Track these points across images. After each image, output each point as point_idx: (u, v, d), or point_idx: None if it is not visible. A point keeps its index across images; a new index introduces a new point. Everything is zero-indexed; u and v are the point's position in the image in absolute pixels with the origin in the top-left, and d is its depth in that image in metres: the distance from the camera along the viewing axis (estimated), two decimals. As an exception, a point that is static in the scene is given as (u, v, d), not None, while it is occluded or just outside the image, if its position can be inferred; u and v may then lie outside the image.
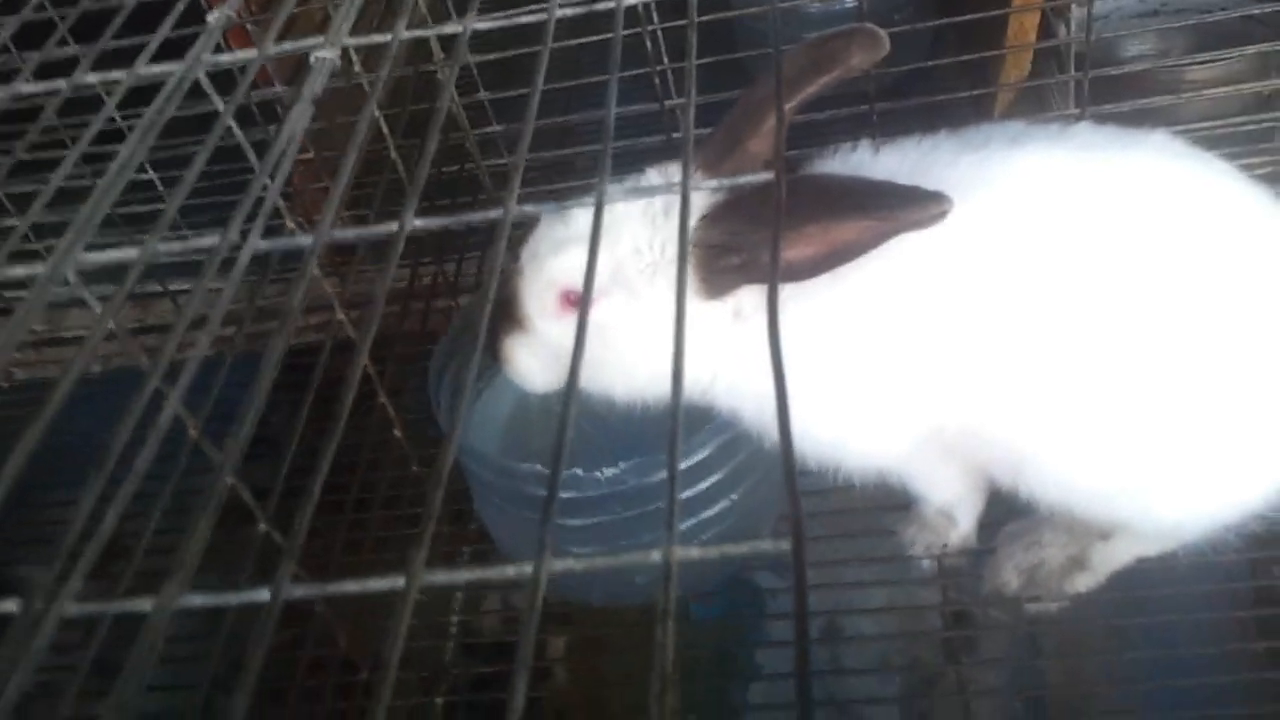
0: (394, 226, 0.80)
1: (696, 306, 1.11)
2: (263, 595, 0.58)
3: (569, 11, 0.98)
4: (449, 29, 1.02)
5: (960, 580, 1.49)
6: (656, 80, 1.77)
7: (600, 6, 0.99)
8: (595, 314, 1.10)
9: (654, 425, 1.22)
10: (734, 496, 1.38)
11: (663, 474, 1.27)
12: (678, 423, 0.62)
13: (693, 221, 1.07)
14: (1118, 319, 1.10)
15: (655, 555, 0.56)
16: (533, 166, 2.14)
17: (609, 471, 1.26)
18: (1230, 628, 1.47)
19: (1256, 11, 1.70)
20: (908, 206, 0.97)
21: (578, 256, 1.10)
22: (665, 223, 1.10)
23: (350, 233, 0.85)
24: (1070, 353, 1.11)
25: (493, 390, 1.54)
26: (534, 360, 1.19)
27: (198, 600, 0.60)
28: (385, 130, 1.51)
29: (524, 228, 1.23)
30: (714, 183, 0.81)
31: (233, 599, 0.60)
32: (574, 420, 0.63)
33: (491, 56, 1.84)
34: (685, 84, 0.81)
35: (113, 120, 1.97)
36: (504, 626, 1.77)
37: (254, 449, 0.71)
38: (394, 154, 1.53)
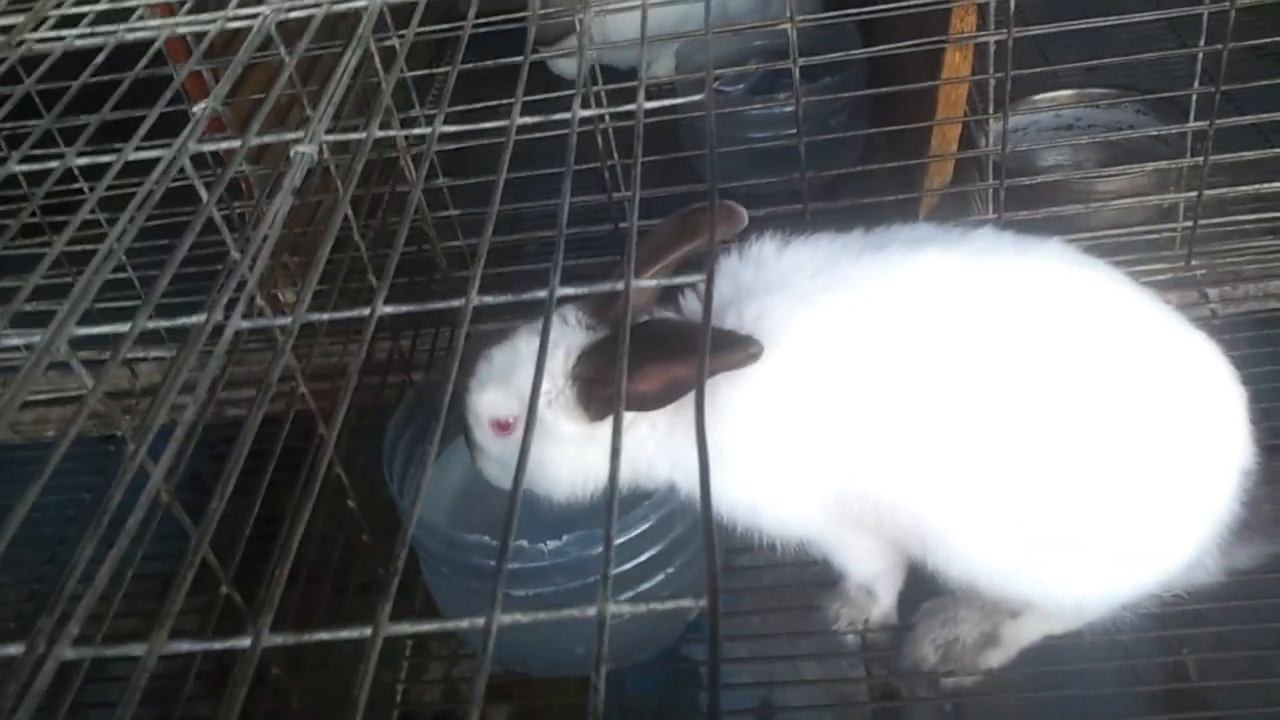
0: (366, 311, 0.89)
1: (588, 427, 1.29)
2: (244, 642, 0.64)
3: (528, 120, 1.08)
4: (418, 131, 1.12)
5: (883, 655, 1.57)
6: (605, 174, 1.89)
7: (557, 117, 1.09)
8: (517, 434, 1.33)
9: (598, 501, 1.32)
10: (670, 570, 1.45)
11: (599, 548, 1.35)
12: (614, 491, 0.71)
13: (572, 360, 1.27)
14: (1007, 408, 1.21)
15: (590, 611, 0.65)
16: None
17: (552, 543, 1.34)
18: (1139, 702, 1.56)
19: (1157, 132, 1.86)
20: (723, 351, 1.13)
21: (495, 392, 1.33)
22: (551, 361, 1.27)
23: (325, 316, 0.93)
24: (960, 436, 1.22)
25: (442, 465, 1.61)
26: (495, 468, 1.40)
27: (184, 646, 0.66)
28: (350, 215, 1.59)
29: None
30: (651, 281, 0.91)
31: (216, 645, 0.66)
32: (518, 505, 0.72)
33: (451, 146, 1.95)
34: (631, 179, 0.91)
35: (91, 200, 2.04)
36: (444, 700, 1.81)
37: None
38: (357, 236, 1.61)
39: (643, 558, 1.41)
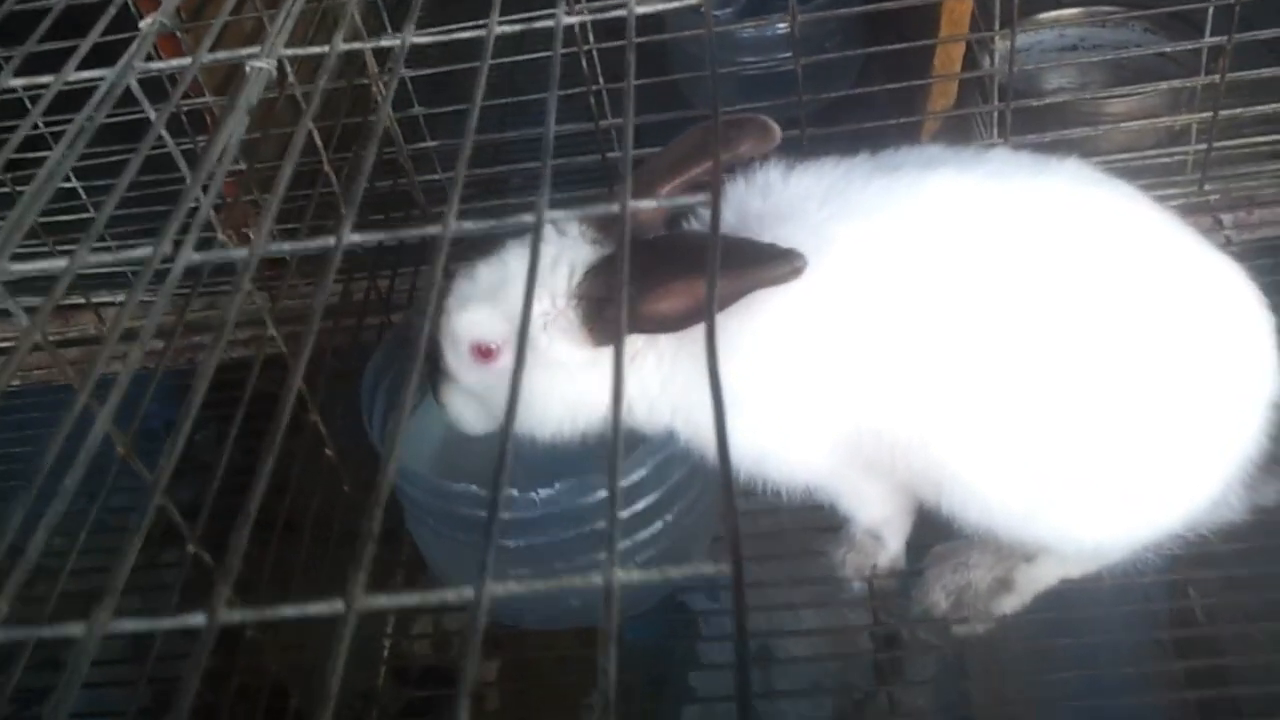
0: (330, 241, 0.79)
1: (591, 353, 1.17)
2: (198, 619, 0.56)
3: (507, 29, 0.98)
4: (386, 43, 1.01)
5: (889, 602, 1.51)
6: (592, 100, 1.78)
7: (539, 25, 0.99)
8: (502, 363, 1.20)
9: (590, 447, 1.24)
10: (669, 517, 1.38)
11: (599, 495, 1.27)
12: (618, 446, 0.62)
13: (578, 276, 1.15)
14: (1027, 339, 1.13)
15: (596, 578, 0.56)
16: (468, 183, 2.13)
17: (545, 492, 1.26)
18: (1150, 648, 1.50)
19: (1171, 49, 1.76)
20: (763, 265, 1.02)
21: (480, 311, 1.19)
22: (552, 277, 1.16)
23: (286, 246, 0.84)
24: (979, 370, 1.14)
25: (426, 409, 1.52)
26: (465, 406, 1.27)
27: (129, 625, 0.58)
28: (319, 144, 1.49)
29: (463, 244, 1.25)
30: (652, 203, 0.82)
31: (165, 623, 0.58)
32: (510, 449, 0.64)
33: (427, 71, 1.84)
34: (623, 104, 0.81)
35: (36, 126, 1.91)
36: (435, 652, 1.75)
37: (178, 467, 0.70)
38: (327, 168, 1.50)
39: (640, 505, 1.33)
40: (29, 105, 1.88)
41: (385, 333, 1.68)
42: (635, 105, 1.38)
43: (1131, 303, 1.14)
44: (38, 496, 0.67)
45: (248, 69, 0.95)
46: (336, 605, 0.56)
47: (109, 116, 0.95)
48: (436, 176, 1.92)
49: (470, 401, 1.27)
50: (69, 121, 0.93)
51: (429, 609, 1.66)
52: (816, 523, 1.51)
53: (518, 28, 0.98)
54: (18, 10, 1.25)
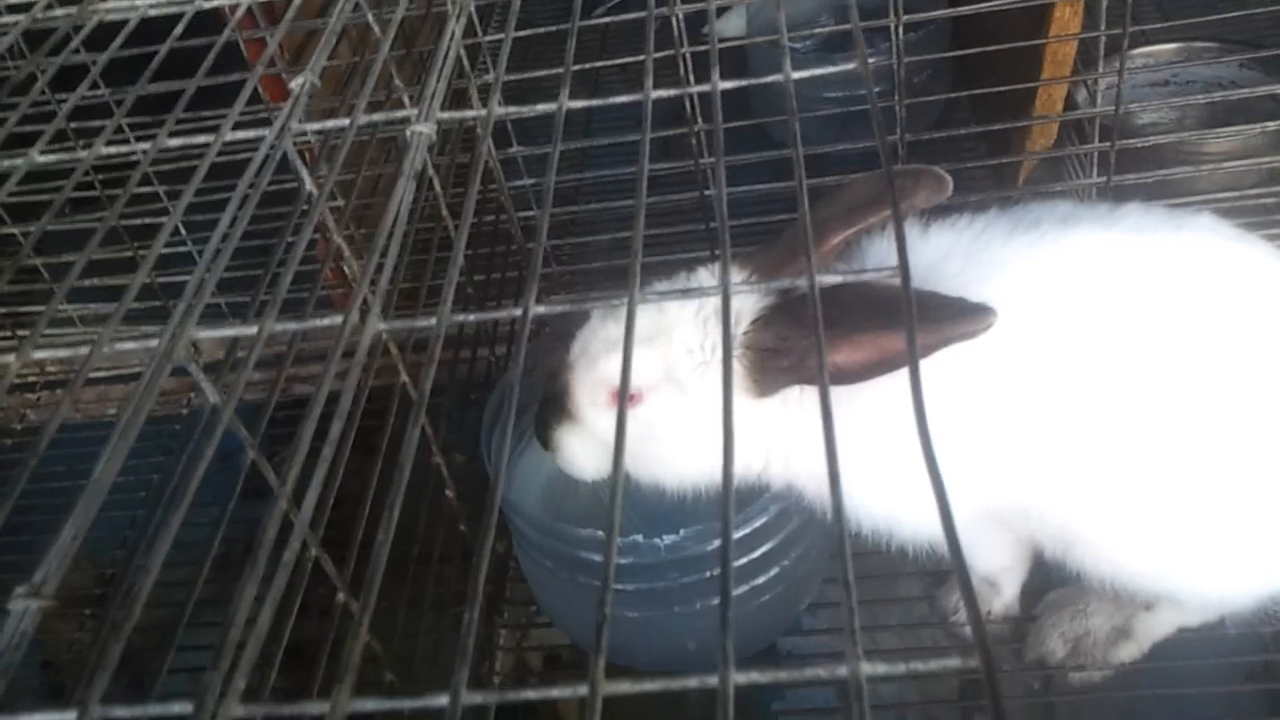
0: (517, 311, 0.81)
1: (745, 402, 1.15)
2: (440, 700, 0.57)
3: (667, 93, 0.99)
4: (542, 108, 1.03)
5: (1007, 647, 1.49)
6: (693, 141, 1.80)
7: (696, 90, 1.01)
8: (645, 409, 1.17)
9: (710, 496, 1.25)
10: (785, 563, 1.38)
11: (720, 541, 1.28)
12: (842, 530, 0.63)
13: (745, 325, 1.12)
14: (1167, 401, 1.12)
15: (840, 670, 0.57)
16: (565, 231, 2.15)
17: (669, 539, 1.27)
18: (1242, 700, 1.48)
19: (1276, 90, 1.75)
20: (955, 320, 0.99)
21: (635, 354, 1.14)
22: (716, 324, 1.14)
23: (472, 317, 0.85)
24: (1123, 434, 1.12)
25: (534, 449, 1.54)
26: (583, 449, 1.24)
27: (369, 705, 0.59)
28: (445, 212, 1.51)
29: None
30: (749, 285, 0.83)
31: (407, 704, 0.59)
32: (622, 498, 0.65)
33: (544, 149, 1.86)
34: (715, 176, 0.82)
35: (156, 191, 1.97)
36: (513, 670, 1.75)
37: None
38: (446, 213, 1.53)
39: (758, 552, 1.34)
40: (150, 175, 1.94)
41: (492, 366, 1.70)
42: (725, 148, 1.40)
43: (1268, 359, 1.14)
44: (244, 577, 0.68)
45: (408, 134, 0.97)
46: (580, 690, 0.57)
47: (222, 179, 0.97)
48: (531, 213, 1.95)
49: (591, 446, 1.24)
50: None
51: (513, 625, 1.66)
52: (907, 566, 1.50)
53: (674, 92, 0.99)
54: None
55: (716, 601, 1.36)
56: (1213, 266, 1.16)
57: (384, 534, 0.67)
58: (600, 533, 1.28)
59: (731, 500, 0.66)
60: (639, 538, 1.27)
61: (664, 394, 1.16)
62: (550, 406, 1.26)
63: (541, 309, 0.81)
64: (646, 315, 1.16)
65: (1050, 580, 1.43)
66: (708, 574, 1.31)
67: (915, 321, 0.73)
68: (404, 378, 1.26)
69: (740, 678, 0.55)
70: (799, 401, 1.17)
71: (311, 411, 0.76)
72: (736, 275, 1.17)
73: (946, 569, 1.49)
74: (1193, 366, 1.12)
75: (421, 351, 1.78)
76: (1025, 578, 1.44)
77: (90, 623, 1.83)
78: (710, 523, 1.28)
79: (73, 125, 1.86)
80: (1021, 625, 1.46)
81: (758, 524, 1.30)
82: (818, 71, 0.98)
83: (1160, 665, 1.41)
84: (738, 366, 1.12)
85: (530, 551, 1.43)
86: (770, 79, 0.98)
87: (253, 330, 0.83)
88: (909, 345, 0.72)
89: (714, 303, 1.14)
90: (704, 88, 0.98)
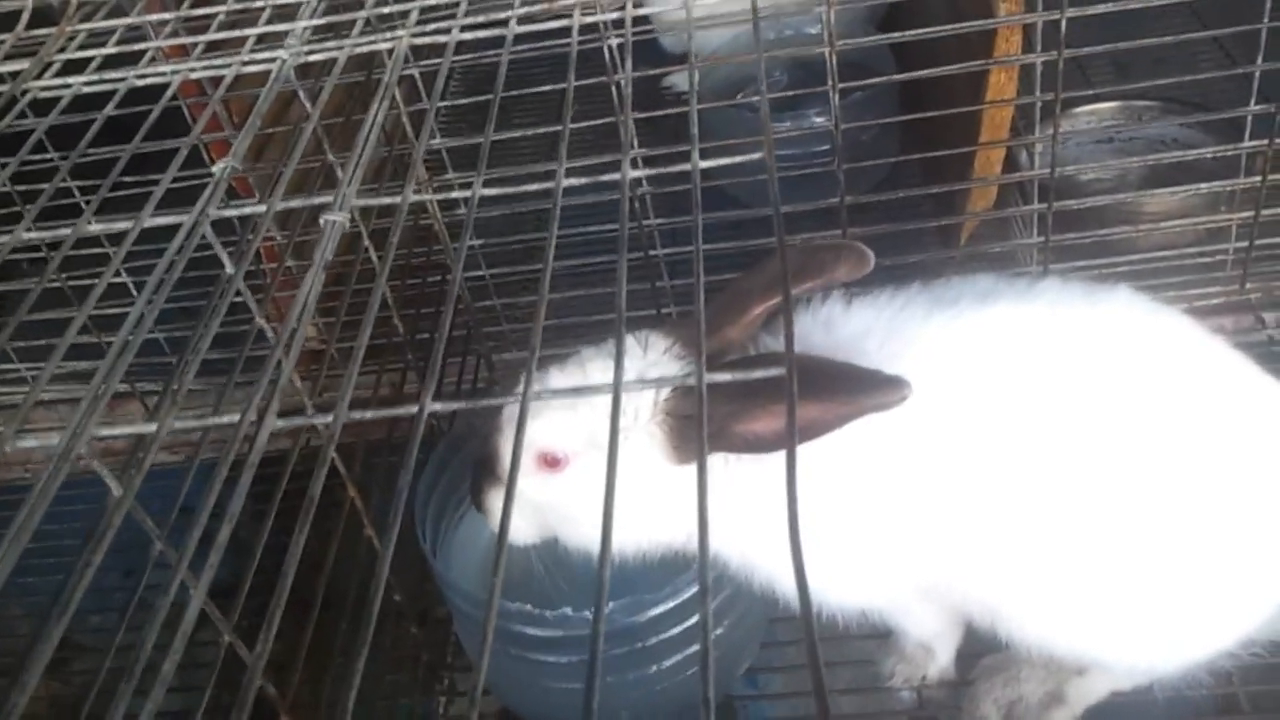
0: (414, 409, 0.82)
1: (668, 470, 1.15)
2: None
3: (575, 182, 1.01)
4: (457, 194, 1.05)
5: (933, 711, 1.50)
6: (640, 224, 1.82)
7: (606, 178, 1.02)
8: (570, 473, 1.18)
9: (641, 566, 1.25)
10: (719, 631, 1.39)
11: (651, 613, 1.29)
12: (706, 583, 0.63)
13: (666, 392, 1.13)
14: (1087, 475, 1.14)
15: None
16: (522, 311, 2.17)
17: (598, 612, 1.27)
18: None
19: (1210, 153, 1.78)
20: (869, 392, 1.00)
21: (553, 420, 1.16)
22: (637, 394, 1.14)
23: (369, 414, 0.86)
24: (1043, 510, 1.14)
25: (472, 518, 1.55)
26: (519, 514, 1.23)
27: None
28: (390, 300, 1.53)
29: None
30: (727, 376, 0.84)
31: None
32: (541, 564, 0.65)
33: (496, 212, 1.88)
34: (694, 286, 0.84)
35: (118, 272, 1.97)
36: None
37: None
38: (396, 321, 1.55)
39: (690, 621, 1.34)
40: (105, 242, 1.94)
41: (437, 429, 1.71)
42: (674, 206, 1.40)
43: (1185, 431, 1.15)
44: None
45: (322, 222, 0.99)
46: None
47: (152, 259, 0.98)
48: (480, 273, 1.96)
49: (521, 509, 1.23)
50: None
51: (463, 692, 1.65)
52: (862, 630, 1.51)
53: (584, 180, 1.01)
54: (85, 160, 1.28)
55: (650, 671, 1.36)
56: (1129, 341, 1.18)
57: (264, 637, 0.68)
58: (529, 606, 1.28)
59: (605, 586, 0.67)
60: (568, 610, 1.27)
61: (588, 458, 1.17)
62: (481, 470, 1.27)
63: (438, 406, 0.83)
64: (571, 378, 1.17)
65: (987, 644, 1.44)
66: (638, 645, 1.32)
67: (795, 403, 0.75)
68: (327, 463, 1.26)
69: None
70: (722, 470, 1.17)
71: (201, 514, 0.77)
72: (661, 344, 1.18)
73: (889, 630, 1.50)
74: (1109, 441, 1.13)
75: (362, 408, 1.78)
76: (960, 641, 1.45)
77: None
78: (640, 595, 1.28)
79: (18, 188, 1.87)
80: (957, 690, 1.46)
81: (689, 593, 1.30)
82: (720, 162, 1.00)
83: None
84: (659, 433, 1.13)
85: (466, 624, 1.43)
86: (678, 169, 1.01)
87: (152, 428, 0.83)
88: (788, 426, 0.73)
89: (637, 369, 1.15)
90: (615, 177, 1.01)
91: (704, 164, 0.97)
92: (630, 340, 1.23)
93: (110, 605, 2.10)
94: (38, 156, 1.64)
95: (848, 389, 1.01)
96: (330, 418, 0.81)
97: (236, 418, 0.82)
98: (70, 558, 1.99)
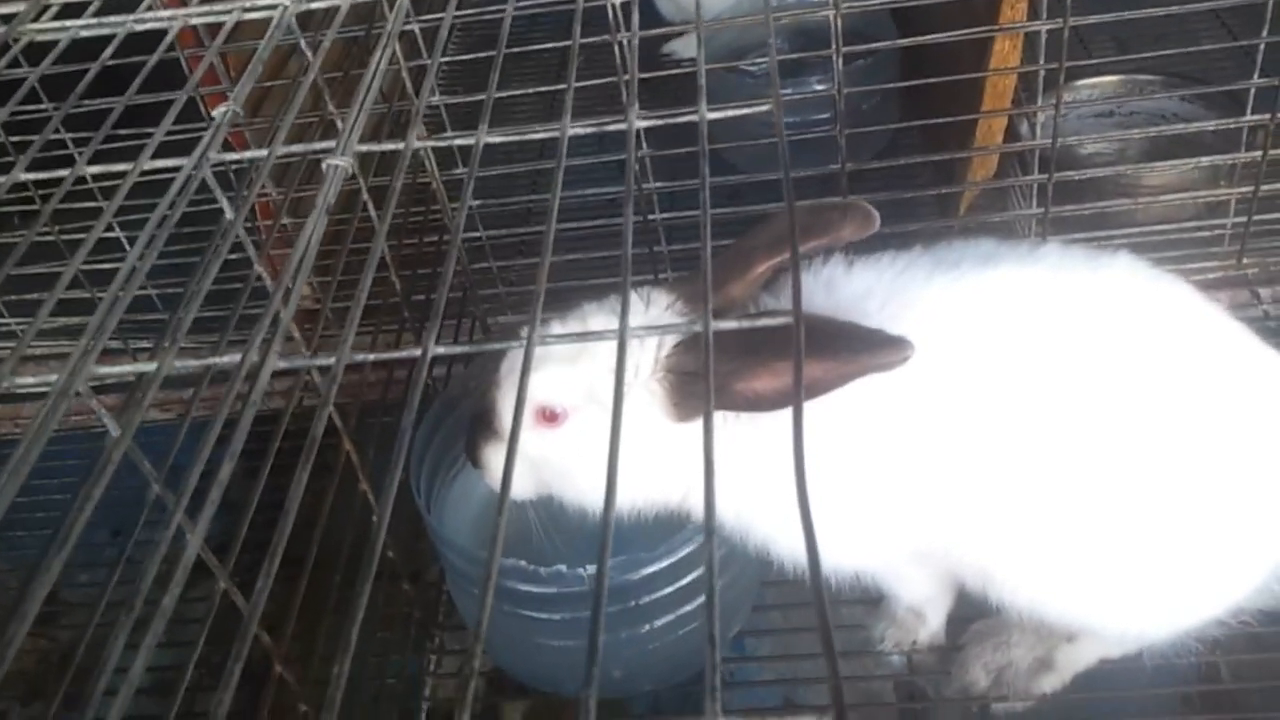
0: (417, 351, 0.82)
1: (667, 427, 1.15)
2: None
3: (581, 130, 1.00)
4: (461, 141, 1.04)
5: (931, 676, 1.51)
6: (636, 167, 1.80)
7: (612, 127, 1.02)
8: (568, 429, 1.17)
9: (637, 525, 1.25)
10: (712, 592, 1.39)
11: (644, 571, 1.29)
12: (713, 555, 0.63)
13: (668, 349, 1.13)
14: (1082, 439, 1.14)
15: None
16: (517, 249, 2.16)
17: (593, 569, 1.27)
18: (1171, 703, 1.49)
19: (1211, 126, 1.78)
20: (871, 351, 1.00)
21: (553, 374, 1.15)
22: (638, 346, 1.14)
23: (371, 356, 0.86)
24: (1040, 473, 1.14)
25: (466, 476, 1.55)
26: (518, 473, 1.21)
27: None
28: (387, 259, 1.52)
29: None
30: (734, 324, 0.84)
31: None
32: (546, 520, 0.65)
33: (494, 172, 1.87)
34: (700, 235, 0.83)
35: (110, 226, 1.95)
36: (458, 693, 1.75)
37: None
38: (394, 278, 1.54)
39: (684, 581, 1.34)
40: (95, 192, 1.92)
41: (433, 388, 1.70)
42: (673, 171, 1.39)
43: (1183, 399, 1.15)
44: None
45: (324, 167, 0.98)
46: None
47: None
48: (477, 234, 1.95)
49: (521, 465, 1.22)
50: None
51: (454, 650, 1.65)
52: (847, 595, 1.51)
53: (590, 129, 1.00)
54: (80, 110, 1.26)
55: (642, 630, 1.36)
56: (1129, 305, 1.17)
57: (268, 571, 0.67)
58: (524, 563, 1.28)
59: (610, 530, 0.66)
60: (563, 568, 1.27)
61: (587, 414, 1.16)
62: (478, 425, 1.26)
63: (441, 349, 0.82)
64: (573, 330, 1.17)
65: (977, 609, 1.44)
66: (632, 603, 1.32)
67: (803, 355, 0.74)
68: (329, 408, 1.26)
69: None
70: (720, 429, 1.17)
71: (208, 438, 0.76)
72: (664, 300, 1.18)
73: (881, 596, 1.50)
74: (1108, 405, 1.13)
75: (353, 372, 1.78)
76: (951, 607, 1.45)
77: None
78: (635, 553, 1.28)
79: (13, 139, 1.86)
80: (947, 655, 1.47)
81: (683, 553, 1.30)
82: (728, 112, 0.99)
83: (1095, 696, 1.43)
84: (659, 389, 1.13)
85: (459, 580, 1.43)
86: (687, 113, 1.00)
87: (152, 367, 0.83)
88: (795, 379, 0.73)
89: (643, 320, 1.15)
90: (621, 125, 1.00)
91: (711, 114, 0.96)
92: (633, 295, 1.21)
93: (99, 562, 2.11)
94: (31, 106, 1.63)
95: (851, 348, 1.00)
96: (332, 359, 0.81)
97: (238, 357, 0.81)
98: (58, 512, 1.99)
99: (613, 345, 1.15)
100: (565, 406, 1.17)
